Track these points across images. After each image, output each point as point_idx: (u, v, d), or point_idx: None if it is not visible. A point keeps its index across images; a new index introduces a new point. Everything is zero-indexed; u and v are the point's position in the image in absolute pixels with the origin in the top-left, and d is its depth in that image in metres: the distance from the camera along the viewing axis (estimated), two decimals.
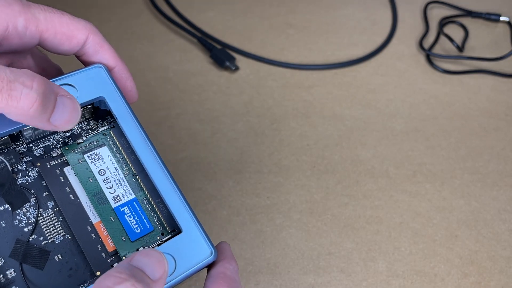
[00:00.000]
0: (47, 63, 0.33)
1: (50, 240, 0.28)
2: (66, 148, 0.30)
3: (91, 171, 0.30)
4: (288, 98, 0.55)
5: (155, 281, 0.24)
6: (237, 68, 0.58)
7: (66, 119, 0.25)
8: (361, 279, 0.42)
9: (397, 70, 0.60)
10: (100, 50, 0.30)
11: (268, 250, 0.43)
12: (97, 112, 0.32)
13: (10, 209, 0.28)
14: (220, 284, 0.27)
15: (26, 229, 0.28)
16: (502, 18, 0.65)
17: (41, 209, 0.28)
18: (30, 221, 0.28)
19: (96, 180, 0.30)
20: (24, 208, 0.28)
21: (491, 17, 0.65)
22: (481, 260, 0.44)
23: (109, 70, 0.31)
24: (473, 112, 0.56)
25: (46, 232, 0.28)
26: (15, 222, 0.28)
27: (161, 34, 0.62)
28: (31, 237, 0.28)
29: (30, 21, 0.27)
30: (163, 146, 0.50)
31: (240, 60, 0.59)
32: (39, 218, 0.28)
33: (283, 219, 0.45)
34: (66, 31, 0.28)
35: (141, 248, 0.29)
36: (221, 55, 0.57)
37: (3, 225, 0.27)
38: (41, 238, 0.28)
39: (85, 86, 0.30)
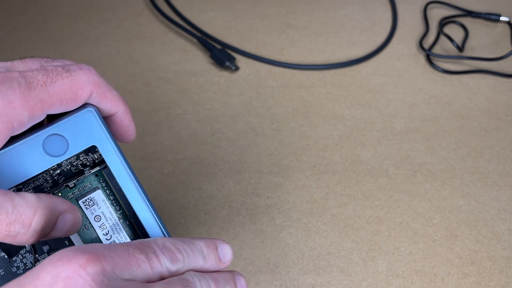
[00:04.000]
0: None
1: None
2: (60, 194, 0.29)
3: (87, 218, 0.29)
4: (288, 98, 0.55)
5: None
6: (237, 68, 0.58)
7: (65, 233, 0.26)
8: (361, 279, 0.42)
9: (397, 70, 0.60)
10: (103, 101, 0.28)
11: (268, 250, 0.43)
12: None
13: (6, 256, 0.27)
14: None
15: None
16: (502, 18, 0.65)
17: (37, 255, 0.28)
18: (27, 267, 0.28)
19: (92, 227, 0.29)
20: (20, 255, 0.28)
21: (491, 17, 0.65)
22: (481, 260, 0.44)
23: (108, 115, 0.29)
24: (473, 112, 0.56)
25: None
26: (13, 269, 0.27)
27: (161, 34, 0.62)
28: None
29: (35, 109, 0.25)
30: (163, 146, 0.50)
31: (240, 60, 0.59)
32: (36, 264, 0.28)
33: (283, 219, 0.45)
34: (71, 96, 0.26)
35: None
36: (221, 55, 0.57)
37: (2, 273, 0.27)
38: None
39: (75, 135, 0.28)
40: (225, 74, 0.57)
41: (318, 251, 0.43)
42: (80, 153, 0.29)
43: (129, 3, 0.65)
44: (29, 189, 0.29)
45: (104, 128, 0.28)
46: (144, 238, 0.30)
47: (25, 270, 0.27)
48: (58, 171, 0.29)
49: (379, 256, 0.43)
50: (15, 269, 0.27)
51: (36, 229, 0.24)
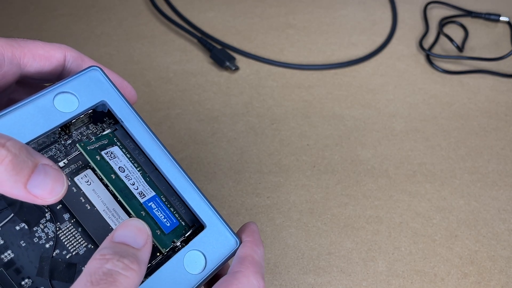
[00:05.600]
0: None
1: (74, 253, 0.27)
2: (82, 144, 0.28)
3: (112, 168, 0.29)
4: (288, 98, 0.55)
5: (141, 248, 0.24)
6: (237, 68, 0.58)
7: (48, 188, 0.23)
8: (361, 279, 0.42)
9: (397, 70, 0.60)
10: (83, 63, 0.30)
11: (268, 250, 0.43)
12: (94, 115, 0.31)
13: (26, 227, 0.27)
14: (248, 268, 0.27)
15: (47, 245, 0.27)
16: (502, 18, 0.65)
17: (58, 223, 0.27)
18: (49, 236, 0.27)
19: (118, 176, 0.29)
20: (41, 224, 0.27)
21: (491, 17, 0.66)
22: (481, 260, 0.44)
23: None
24: (473, 112, 0.56)
25: (68, 245, 0.27)
26: (34, 239, 0.27)
27: (161, 34, 0.62)
28: (54, 253, 0.27)
29: (5, 48, 0.27)
30: None
31: (240, 60, 0.59)
32: (58, 232, 0.27)
33: (283, 219, 0.45)
34: (43, 53, 0.29)
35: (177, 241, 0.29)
36: (221, 55, 0.58)
37: (23, 244, 0.26)
38: (64, 252, 0.27)
39: (84, 92, 0.28)
40: (225, 74, 0.57)
41: (318, 251, 0.43)
42: (91, 113, 0.30)
43: (129, 3, 0.65)
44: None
45: (112, 84, 0.29)
46: (165, 191, 0.30)
47: (48, 240, 0.27)
48: (69, 141, 0.30)
49: (379, 256, 0.43)
50: (37, 239, 0.27)
51: (10, 149, 0.22)
